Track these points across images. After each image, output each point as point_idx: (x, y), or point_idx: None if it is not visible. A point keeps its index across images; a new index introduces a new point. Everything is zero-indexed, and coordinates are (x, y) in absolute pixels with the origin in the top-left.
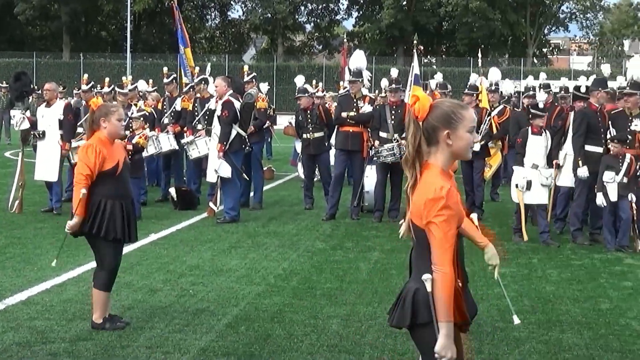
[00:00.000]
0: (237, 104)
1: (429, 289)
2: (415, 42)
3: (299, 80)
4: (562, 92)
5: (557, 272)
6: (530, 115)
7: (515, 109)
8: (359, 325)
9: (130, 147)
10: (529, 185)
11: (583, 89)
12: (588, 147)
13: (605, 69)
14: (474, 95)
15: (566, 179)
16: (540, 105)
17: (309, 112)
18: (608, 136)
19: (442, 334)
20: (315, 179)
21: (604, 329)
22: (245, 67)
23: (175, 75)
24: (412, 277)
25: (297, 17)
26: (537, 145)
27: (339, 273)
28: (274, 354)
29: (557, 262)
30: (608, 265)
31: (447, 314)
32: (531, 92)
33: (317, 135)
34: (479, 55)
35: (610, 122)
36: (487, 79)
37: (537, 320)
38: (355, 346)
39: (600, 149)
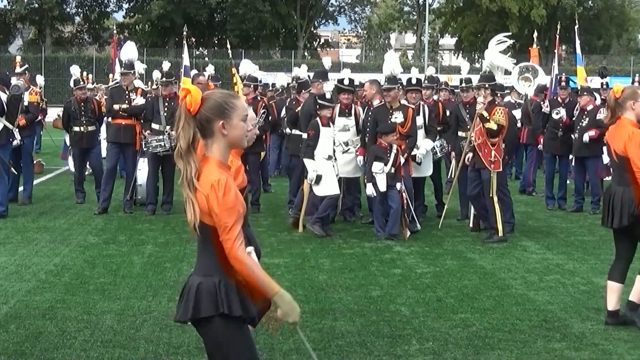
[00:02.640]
0: (4, 96)
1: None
2: (185, 33)
3: (75, 71)
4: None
5: (330, 261)
6: (317, 107)
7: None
8: (134, 320)
9: None
10: (318, 178)
11: (347, 82)
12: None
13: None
14: (252, 86)
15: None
16: (328, 96)
17: (82, 104)
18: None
19: (278, 305)
20: (86, 173)
21: (375, 316)
22: (18, 59)
23: None
24: (195, 272)
25: (65, 8)
26: (327, 137)
27: (112, 267)
28: (46, 351)
29: (330, 251)
30: (378, 253)
31: (269, 287)
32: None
33: (90, 128)
34: (228, 47)
35: (374, 115)
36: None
37: (311, 309)
38: (129, 341)
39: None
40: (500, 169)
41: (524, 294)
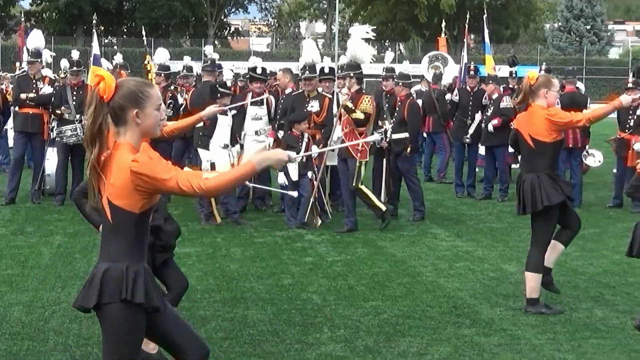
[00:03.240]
0: None
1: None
2: (94, 21)
3: None
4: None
5: (241, 250)
6: (218, 95)
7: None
8: (43, 311)
9: None
10: (213, 167)
11: (259, 70)
12: None
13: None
14: (162, 75)
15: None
16: (229, 84)
17: None
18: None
19: (267, 165)
20: None
21: (287, 304)
22: None
23: None
24: (101, 258)
25: None
26: (223, 125)
27: (20, 259)
28: None
29: (241, 240)
30: (290, 242)
31: (247, 173)
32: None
33: None
34: (143, 35)
35: (291, 104)
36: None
37: (222, 298)
38: (38, 333)
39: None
40: (367, 159)
41: (434, 281)
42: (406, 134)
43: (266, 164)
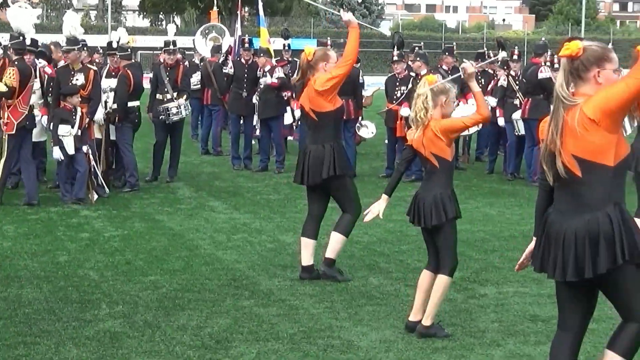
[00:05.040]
0: None
1: None
2: None
3: None
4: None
5: (14, 227)
6: None
7: None
8: None
9: None
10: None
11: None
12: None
13: None
14: None
15: None
16: None
17: None
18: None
19: None
20: None
21: (63, 281)
22: None
23: None
24: None
25: None
26: None
27: None
28: None
29: (14, 217)
30: (65, 218)
31: None
32: None
33: None
34: None
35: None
36: None
37: None
38: None
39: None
40: (13, 132)
41: (212, 253)
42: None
43: None
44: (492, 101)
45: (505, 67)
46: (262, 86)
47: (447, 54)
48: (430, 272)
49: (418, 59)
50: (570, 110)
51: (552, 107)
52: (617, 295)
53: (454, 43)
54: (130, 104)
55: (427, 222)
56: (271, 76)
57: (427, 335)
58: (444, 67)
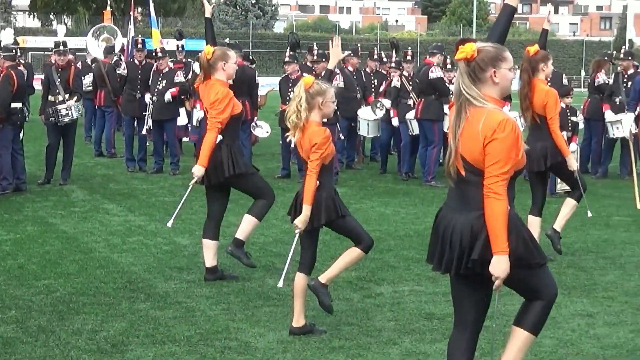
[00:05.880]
0: None
1: None
2: None
3: None
4: None
5: None
6: None
7: None
8: None
9: None
10: None
11: None
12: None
13: None
14: None
15: None
16: None
17: None
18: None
19: None
20: None
21: None
22: None
23: None
24: None
25: None
26: None
27: None
28: None
29: None
30: None
31: None
32: None
33: None
34: None
35: None
36: None
37: None
38: None
39: None
40: None
41: (107, 256)
42: None
43: None
44: (386, 102)
45: (399, 68)
46: (159, 87)
47: (352, 55)
48: (304, 275)
49: (323, 59)
50: (477, 110)
51: (454, 107)
52: (519, 284)
53: (358, 44)
54: (13, 105)
55: (316, 222)
56: (172, 81)
57: (315, 291)
58: (349, 68)
